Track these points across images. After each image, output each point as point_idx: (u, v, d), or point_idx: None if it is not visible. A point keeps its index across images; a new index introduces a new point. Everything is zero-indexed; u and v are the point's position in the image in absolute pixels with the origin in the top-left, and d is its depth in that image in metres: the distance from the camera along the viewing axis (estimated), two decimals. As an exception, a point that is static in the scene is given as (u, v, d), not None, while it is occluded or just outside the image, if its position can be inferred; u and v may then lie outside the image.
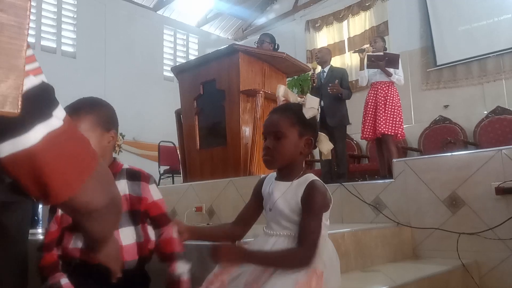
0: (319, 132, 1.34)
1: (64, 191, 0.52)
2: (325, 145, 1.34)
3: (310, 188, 1.23)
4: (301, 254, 1.18)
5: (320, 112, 4.54)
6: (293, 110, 1.29)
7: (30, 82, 0.49)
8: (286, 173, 1.29)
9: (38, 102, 0.50)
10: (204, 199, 3.05)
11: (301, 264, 1.16)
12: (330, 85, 4.31)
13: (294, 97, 1.34)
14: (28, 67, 0.47)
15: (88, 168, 0.55)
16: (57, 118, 0.51)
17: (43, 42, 6.90)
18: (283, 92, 1.37)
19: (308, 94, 1.32)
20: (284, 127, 1.25)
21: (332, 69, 4.63)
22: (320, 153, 1.36)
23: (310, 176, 1.28)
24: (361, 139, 4.49)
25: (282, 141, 1.25)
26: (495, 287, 2.17)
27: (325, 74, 4.55)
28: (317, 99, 1.28)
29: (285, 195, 1.26)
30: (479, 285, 2.17)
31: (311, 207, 1.21)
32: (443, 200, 2.40)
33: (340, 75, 4.53)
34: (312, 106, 1.26)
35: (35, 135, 0.48)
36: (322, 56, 4.64)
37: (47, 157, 0.50)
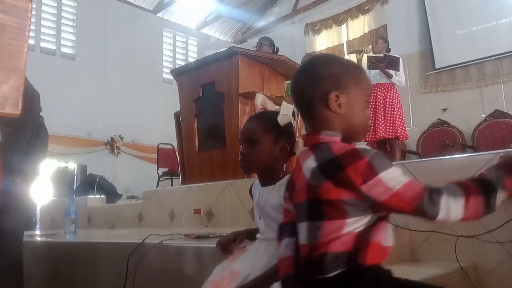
0: (296, 139, 1.36)
1: None
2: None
3: None
4: None
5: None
6: (268, 117, 1.32)
7: None
8: (266, 179, 1.32)
9: None
10: (203, 202, 3.04)
11: None
12: None
13: (271, 106, 1.36)
14: None
15: None
16: None
17: (42, 44, 6.91)
18: (261, 100, 1.40)
19: (284, 102, 1.33)
20: (258, 133, 1.28)
21: None
22: None
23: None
24: (363, 141, 4.49)
25: (256, 147, 1.28)
26: (493, 290, 2.18)
27: None
28: (291, 106, 1.29)
29: (270, 199, 1.28)
30: (477, 288, 2.17)
31: None
32: (441, 203, 2.40)
33: None
34: (286, 113, 1.28)
35: None
36: None
37: None
